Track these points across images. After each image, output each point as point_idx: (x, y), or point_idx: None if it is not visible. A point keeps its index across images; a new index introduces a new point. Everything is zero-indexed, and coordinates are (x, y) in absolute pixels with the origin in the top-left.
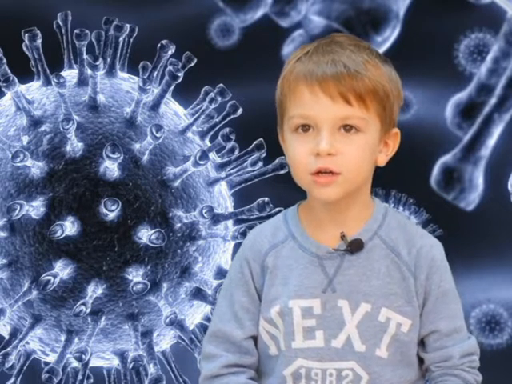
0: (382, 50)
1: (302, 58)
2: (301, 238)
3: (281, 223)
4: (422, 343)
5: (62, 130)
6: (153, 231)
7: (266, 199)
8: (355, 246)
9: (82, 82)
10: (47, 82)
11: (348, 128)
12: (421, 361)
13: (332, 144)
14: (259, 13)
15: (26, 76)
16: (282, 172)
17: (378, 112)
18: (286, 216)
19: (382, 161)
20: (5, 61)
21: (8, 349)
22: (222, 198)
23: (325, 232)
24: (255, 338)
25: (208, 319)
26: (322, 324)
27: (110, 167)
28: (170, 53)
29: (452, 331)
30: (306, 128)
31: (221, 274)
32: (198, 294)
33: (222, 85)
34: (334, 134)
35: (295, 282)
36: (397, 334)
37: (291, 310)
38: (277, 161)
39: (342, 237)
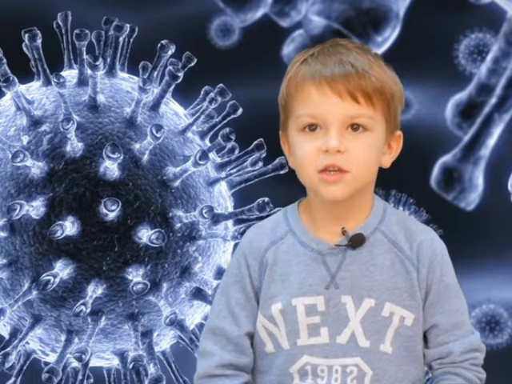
0: (382, 49)
1: (307, 60)
2: (301, 233)
3: (281, 220)
4: (425, 339)
5: (62, 129)
6: (153, 231)
7: (266, 199)
8: (357, 241)
9: (82, 81)
10: (47, 82)
11: (356, 127)
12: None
13: (341, 141)
14: (259, 13)
15: (26, 76)
16: (282, 172)
17: (384, 112)
18: (286, 213)
19: (387, 163)
20: (5, 61)
21: (8, 349)
22: (222, 197)
23: (325, 228)
24: (251, 336)
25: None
26: (327, 321)
27: (110, 167)
28: (169, 53)
29: (453, 326)
30: (313, 127)
31: (221, 273)
32: (198, 294)
33: (221, 85)
34: (343, 132)
35: (297, 280)
36: (400, 327)
37: (295, 309)
38: (277, 161)
39: (343, 232)
